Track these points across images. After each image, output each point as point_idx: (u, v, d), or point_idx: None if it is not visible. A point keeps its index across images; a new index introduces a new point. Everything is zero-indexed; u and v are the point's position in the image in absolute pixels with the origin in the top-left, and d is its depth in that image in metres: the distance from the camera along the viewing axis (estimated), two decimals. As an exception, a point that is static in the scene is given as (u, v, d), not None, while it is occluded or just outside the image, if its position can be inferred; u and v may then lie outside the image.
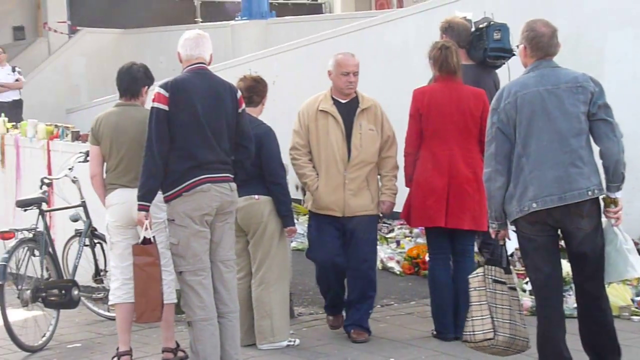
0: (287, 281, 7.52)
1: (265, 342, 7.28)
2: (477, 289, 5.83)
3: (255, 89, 7.46)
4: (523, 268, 7.24)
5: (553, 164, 5.58)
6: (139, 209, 6.32)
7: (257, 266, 7.33)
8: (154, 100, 6.38)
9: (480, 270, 5.89)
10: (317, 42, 13.29)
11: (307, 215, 12.53)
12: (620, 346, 5.83)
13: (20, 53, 21.09)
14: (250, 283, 7.37)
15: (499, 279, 5.86)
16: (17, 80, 16.71)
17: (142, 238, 6.34)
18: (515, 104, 5.67)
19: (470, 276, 5.95)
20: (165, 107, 6.30)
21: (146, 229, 6.30)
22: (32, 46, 21.85)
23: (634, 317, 7.68)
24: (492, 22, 7.76)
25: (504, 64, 7.86)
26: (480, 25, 7.77)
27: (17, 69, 16.91)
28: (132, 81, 7.05)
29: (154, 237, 6.39)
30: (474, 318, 5.80)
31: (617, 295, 7.73)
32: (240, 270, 7.34)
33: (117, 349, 6.99)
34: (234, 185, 6.55)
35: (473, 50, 7.78)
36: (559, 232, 5.72)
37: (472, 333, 5.80)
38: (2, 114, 11.91)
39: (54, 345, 7.83)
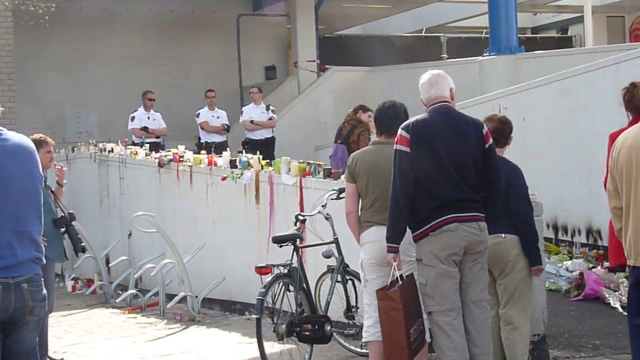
0: (529, 320, 7.31)
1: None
2: None
3: (503, 131, 7.38)
4: None
5: None
6: (388, 251, 6.43)
7: (504, 306, 7.17)
8: (396, 143, 6.44)
9: None
10: (570, 77, 12.93)
11: (558, 255, 12.30)
12: None
13: (272, 92, 21.82)
14: (498, 322, 7.22)
15: None
16: (270, 118, 17.25)
17: (390, 279, 6.40)
18: None
19: None
20: (407, 149, 6.36)
21: (395, 270, 6.39)
22: (283, 85, 22.57)
23: None
24: None
25: None
26: None
27: (271, 107, 17.46)
28: (395, 119, 7.09)
29: (402, 275, 6.42)
30: None
31: None
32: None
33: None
34: (483, 224, 6.47)
35: None
36: None
37: None
38: (257, 152, 12.28)
39: (307, 380, 7.95)
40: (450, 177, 6.36)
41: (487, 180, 6.53)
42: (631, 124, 7.05)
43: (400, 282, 6.43)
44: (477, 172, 6.47)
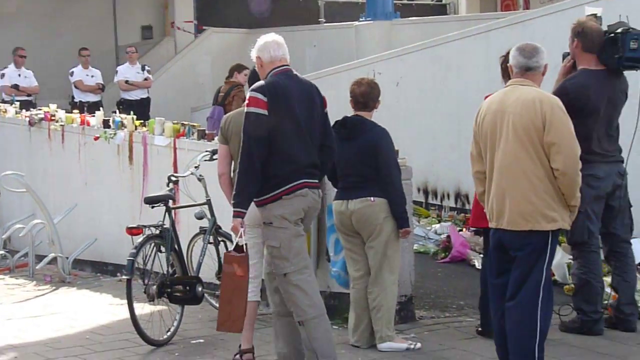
0: (397, 282, 7.49)
1: (383, 341, 7.28)
2: None
3: (371, 95, 7.46)
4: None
5: None
6: (236, 216, 6.20)
7: (373, 267, 7.33)
8: (250, 105, 6.26)
9: None
10: (442, 44, 13.18)
11: (428, 218, 12.57)
12: None
13: (148, 52, 21.55)
14: (367, 284, 7.38)
15: None
16: (146, 79, 17.09)
17: (235, 246, 6.27)
18: None
19: None
20: (265, 112, 6.22)
21: (241, 236, 6.21)
22: (160, 45, 22.31)
23: None
24: (629, 29, 7.50)
25: (637, 70, 7.67)
26: (616, 31, 7.54)
27: (146, 67, 17.29)
28: None
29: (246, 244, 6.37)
30: None
31: None
32: (358, 270, 7.38)
33: (240, 346, 7.08)
34: (321, 192, 6.56)
35: (605, 55, 7.55)
36: None
37: None
38: (131, 112, 12.16)
39: (178, 340, 7.96)
40: (305, 141, 6.34)
41: (324, 145, 6.51)
42: None
43: (245, 251, 6.29)
44: (320, 137, 6.49)
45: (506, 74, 7.40)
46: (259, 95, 6.26)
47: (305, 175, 6.35)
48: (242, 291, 6.30)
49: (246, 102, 6.34)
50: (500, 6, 26.83)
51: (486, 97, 7.31)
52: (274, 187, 6.28)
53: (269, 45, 6.47)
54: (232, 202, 6.29)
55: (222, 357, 7.43)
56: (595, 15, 7.80)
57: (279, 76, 6.40)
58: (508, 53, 7.35)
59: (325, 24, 22.55)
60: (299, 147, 6.32)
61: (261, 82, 6.38)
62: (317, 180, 6.46)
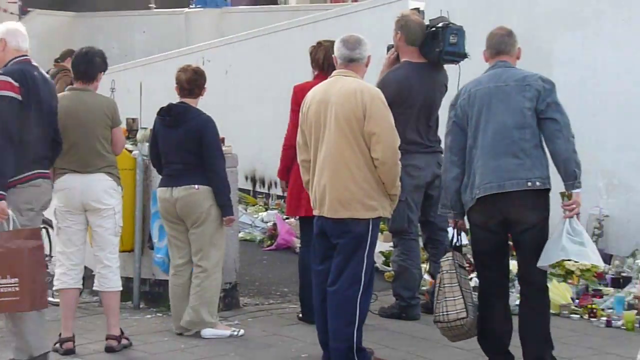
0: (220, 269, 7.54)
1: (206, 328, 7.32)
2: (449, 271, 6.05)
3: (197, 82, 7.46)
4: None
5: (495, 154, 5.87)
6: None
7: (197, 255, 7.33)
8: (3, 89, 6.04)
9: (449, 254, 6.15)
10: (271, 33, 13.31)
11: (255, 206, 12.67)
12: (552, 340, 6.00)
13: (-31, 32, 20.80)
14: (191, 271, 7.39)
15: (463, 265, 6.15)
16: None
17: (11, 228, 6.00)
18: (468, 99, 6.00)
19: (441, 260, 6.21)
20: (19, 97, 6.07)
21: (12, 220, 5.98)
22: (-19, 26, 21.56)
23: (573, 316, 7.79)
24: (449, 24, 7.72)
25: (456, 64, 7.92)
26: (437, 25, 7.76)
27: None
28: (90, 66, 7.01)
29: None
30: (447, 299, 5.99)
31: (558, 293, 7.85)
32: (182, 257, 7.38)
33: (60, 335, 6.95)
34: (51, 181, 6.47)
35: (426, 48, 7.77)
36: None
37: (445, 313, 5.97)
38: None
39: (-4, 331, 7.75)
40: (44, 132, 6.26)
41: (55, 141, 6.46)
42: (316, 79, 7.40)
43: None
44: (52, 131, 6.40)
45: (315, 64, 7.58)
46: (11, 80, 6.09)
47: (41, 165, 6.25)
48: (42, 264, 6.21)
49: None
50: (330, -2, 27.25)
51: (295, 87, 7.50)
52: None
53: (19, 34, 6.37)
54: None
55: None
56: (418, 9, 8.02)
57: (24, 65, 6.26)
58: (318, 43, 7.56)
59: (155, 10, 22.33)
60: (39, 137, 6.22)
61: (11, 68, 6.18)
62: (48, 171, 6.36)
